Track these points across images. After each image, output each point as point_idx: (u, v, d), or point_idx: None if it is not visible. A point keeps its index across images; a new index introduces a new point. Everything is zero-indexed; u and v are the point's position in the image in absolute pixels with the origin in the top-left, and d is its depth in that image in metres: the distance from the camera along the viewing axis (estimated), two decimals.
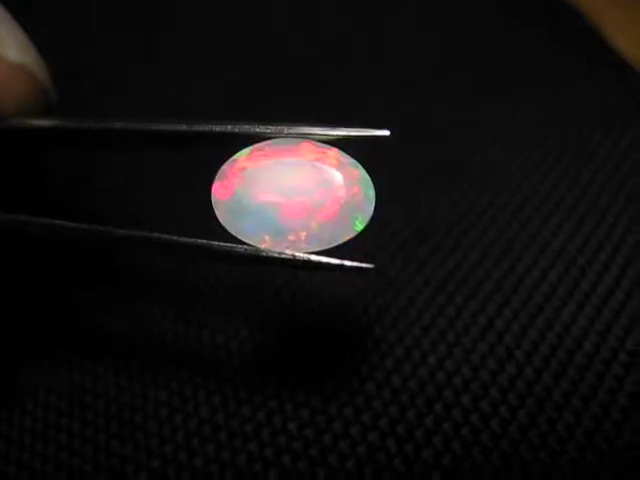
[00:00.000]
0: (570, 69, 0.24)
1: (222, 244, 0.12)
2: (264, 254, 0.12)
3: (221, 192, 0.12)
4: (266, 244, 0.12)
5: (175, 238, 0.12)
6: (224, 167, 0.12)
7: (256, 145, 0.12)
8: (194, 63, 0.26)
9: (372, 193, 0.12)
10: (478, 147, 0.22)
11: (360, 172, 0.12)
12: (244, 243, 0.12)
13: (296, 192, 0.12)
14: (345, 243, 0.12)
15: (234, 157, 0.12)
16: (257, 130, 0.12)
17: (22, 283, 0.18)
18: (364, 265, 0.12)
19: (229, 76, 0.25)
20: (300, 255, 0.12)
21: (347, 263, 0.12)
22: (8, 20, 0.14)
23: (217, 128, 0.13)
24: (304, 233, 0.12)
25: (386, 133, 0.12)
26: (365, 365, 0.16)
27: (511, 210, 0.19)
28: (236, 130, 0.13)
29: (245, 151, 0.12)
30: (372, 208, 0.12)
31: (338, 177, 0.12)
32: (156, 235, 0.13)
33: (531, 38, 0.25)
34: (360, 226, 0.12)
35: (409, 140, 0.22)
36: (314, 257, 0.12)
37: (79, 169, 0.21)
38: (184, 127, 0.13)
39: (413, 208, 0.20)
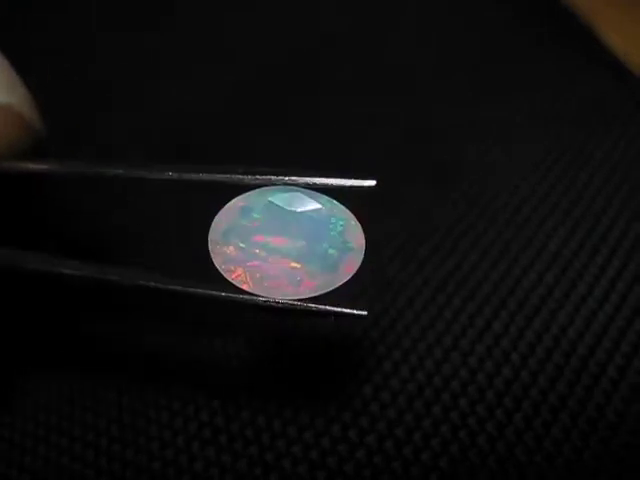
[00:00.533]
0: (569, 70, 0.24)
1: (222, 293, 0.12)
2: (263, 302, 0.12)
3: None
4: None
5: (174, 287, 0.13)
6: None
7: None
8: (194, 63, 0.26)
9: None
10: (477, 147, 0.22)
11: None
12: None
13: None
14: None
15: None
16: (245, 180, 0.12)
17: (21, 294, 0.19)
18: (358, 312, 0.12)
19: (229, 76, 0.25)
20: (299, 304, 0.12)
21: (344, 310, 0.12)
22: None
23: (205, 177, 0.13)
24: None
25: (372, 183, 0.12)
26: (363, 368, 0.16)
27: (510, 211, 0.19)
28: (226, 179, 0.12)
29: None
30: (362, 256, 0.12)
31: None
32: (154, 284, 0.13)
33: (530, 38, 0.25)
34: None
35: (408, 140, 0.22)
36: (313, 305, 0.12)
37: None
38: (175, 175, 0.13)
39: (411, 208, 0.20)
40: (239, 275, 0.12)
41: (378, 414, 0.15)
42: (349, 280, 0.12)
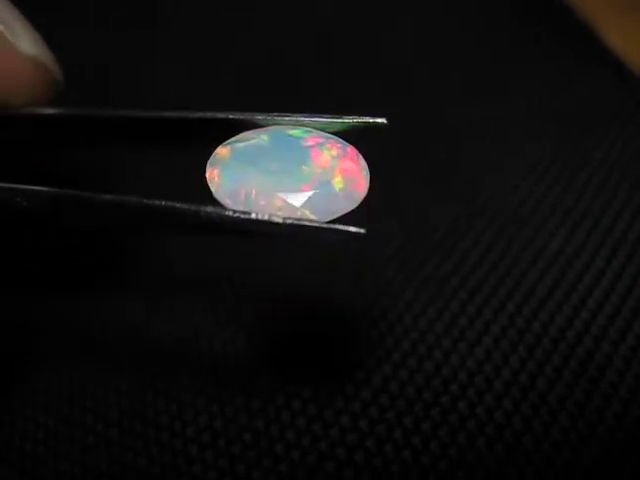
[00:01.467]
0: (568, 68, 0.24)
1: (212, 208, 0.12)
2: (254, 217, 0.11)
3: (215, 175, 0.12)
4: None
5: (165, 204, 0.12)
6: (216, 150, 0.12)
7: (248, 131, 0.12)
8: (193, 62, 0.26)
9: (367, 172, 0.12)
10: (475, 147, 0.22)
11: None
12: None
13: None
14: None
15: (225, 142, 0.12)
16: (252, 118, 0.13)
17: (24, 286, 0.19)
18: (356, 230, 0.11)
19: (226, 75, 0.25)
20: (290, 219, 0.11)
21: (338, 227, 0.11)
22: (20, 16, 0.14)
23: (220, 115, 0.13)
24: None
25: (383, 121, 0.12)
26: (362, 371, 0.16)
27: (509, 211, 0.19)
28: (230, 117, 0.13)
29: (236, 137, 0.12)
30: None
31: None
32: (147, 202, 0.12)
33: (529, 37, 0.25)
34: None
35: (406, 140, 0.22)
36: (308, 222, 0.11)
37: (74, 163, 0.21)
38: (179, 114, 0.13)
39: (410, 209, 0.20)
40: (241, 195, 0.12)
41: (377, 417, 0.15)
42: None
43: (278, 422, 0.15)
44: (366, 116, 0.12)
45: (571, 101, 0.22)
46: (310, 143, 0.12)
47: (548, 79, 0.23)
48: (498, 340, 0.16)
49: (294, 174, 0.12)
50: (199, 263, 0.19)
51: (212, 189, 0.12)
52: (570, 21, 0.25)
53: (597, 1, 0.25)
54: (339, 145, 0.12)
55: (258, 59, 0.26)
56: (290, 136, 0.12)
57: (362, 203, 0.12)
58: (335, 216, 0.12)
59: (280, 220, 0.11)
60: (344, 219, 0.12)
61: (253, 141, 0.12)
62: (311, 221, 0.11)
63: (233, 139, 0.12)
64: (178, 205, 0.12)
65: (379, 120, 0.12)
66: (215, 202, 0.12)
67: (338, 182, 0.12)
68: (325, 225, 0.11)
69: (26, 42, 0.14)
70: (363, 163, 0.12)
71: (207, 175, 0.12)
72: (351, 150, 0.12)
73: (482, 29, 0.26)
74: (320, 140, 0.12)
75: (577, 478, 0.14)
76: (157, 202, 0.12)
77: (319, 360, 0.17)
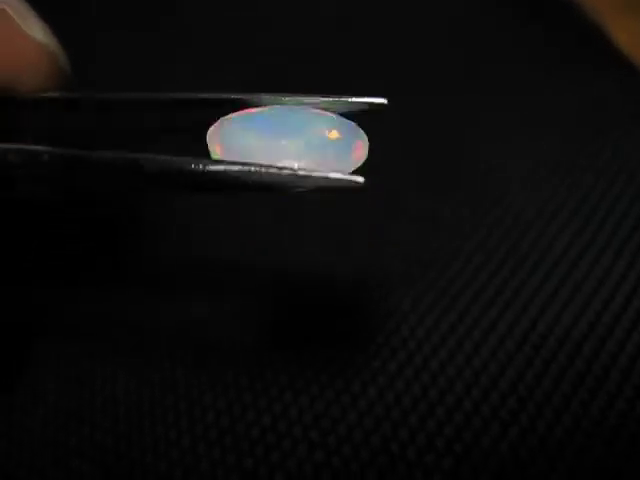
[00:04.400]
0: (573, 70, 0.24)
1: (214, 161, 0.12)
2: (254, 169, 0.11)
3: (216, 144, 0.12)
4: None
5: (162, 158, 0.12)
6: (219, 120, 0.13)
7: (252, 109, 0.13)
8: (194, 63, 0.26)
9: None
10: (479, 149, 0.22)
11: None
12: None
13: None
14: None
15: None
16: (255, 98, 0.13)
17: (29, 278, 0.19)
18: (355, 179, 0.11)
19: (230, 76, 0.25)
20: (294, 169, 0.11)
21: (335, 175, 0.11)
22: (30, 8, 0.15)
23: (224, 96, 0.13)
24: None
25: (383, 101, 0.13)
26: (367, 370, 0.16)
27: (514, 213, 0.19)
28: (232, 97, 0.13)
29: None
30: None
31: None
32: (141, 156, 0.12)
33: (533, 39, 0.25)
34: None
35: (408, 143, 0.22)
36: (307, 172, 0.11)
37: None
38: (185, 95, 0.13)
39: (414, 211, 0.20)
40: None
41: (383, 415, 0.15)
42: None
43: (285, 418, 0.15)
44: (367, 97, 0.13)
45: (577, 102, 0.22)
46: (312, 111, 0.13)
47: (554, 80, 0.23)
48: (503, 339, 0.16)
49: (294, 135, 0.12)
50: (204, 254, 0.19)
51: (211, 149, 0.12)
52: (577, 22, 0.25)
53: (603, 1, 0.25)
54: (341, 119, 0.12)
55: (259, 60, 0.26)
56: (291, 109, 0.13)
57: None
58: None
59: (277, 170, 0.11)
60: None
61: (254, 111, 0.13)
62: (311, 170, 0.11)
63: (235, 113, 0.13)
64: (184, 160, 0.12)
65: (380, 101, 0.12)
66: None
67: (333, 134, 0.12)
68: (321, 174, 0.11)
69: (37, 29, 0.14)
70: (363, 136, 0.12)
71: (207, 138, 0.12)
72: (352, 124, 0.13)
73: (486, 30, 0.26)
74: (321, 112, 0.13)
75: (581, 477, 0.14)
76: (159, 157, 0.12)
77: (326, 357, 0.17)
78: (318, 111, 0.13)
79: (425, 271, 0.18)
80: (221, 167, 0.11)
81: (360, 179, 0.11)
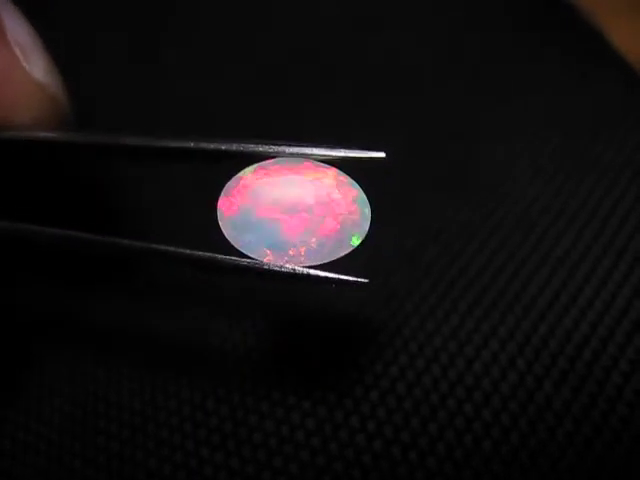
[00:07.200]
0: (575, 72, 0.24)
1: (226, 257, 0.13)
2: (266, 267, 0.13)
3: (226, 207, 0.13)
4: (267, 258, 0.13)
5: (180, 250, 0.13)
6: (230, 183, 0.13)
7: (260, 163, 0.13)
8: (195, 63, 0.26)
9: (368, 211, 0.13)
10: (480, 151, 0.22)
11: (357, 191, 0.13)
12: (247, 257, 0.13)
13: (297, 209, 0.13)
14: (348, 254, 0.13)
15: (239, 174, 0.13)
16: (261, 149, 0.13)
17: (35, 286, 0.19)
18: (359, 279, 0.13)
19: (230, 76, 0.25)
20: (300, 269, 0.13)
21: (343, 277, 0.13)
22: (36, 40, 0.15)
23: (223, 146, 0.13)
24: (303, 248, 0.13)
25: (381, 155, 0.13)
26: (369, 373, 0.16)
27: (515, 215, 0.19)
28: (241, 149, 0.13)
29: (249, 169, 0.13)
30: (368, 225, 0.13)
31: (336, 196, 0.13)
32: (161, 247, 0.13)
33: (535, 39, 0.25)
34: (356, 242, 0.13)
35: (410, 145, 0.22)
36: (313, 272, 0.13)
37: (85, 181, 0.21)
38: (191, 144, 0.13)
39: (415, 213, 0.20)
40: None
41: (385, 419, 0.15)
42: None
43: (288, 423, 0.15)
44: (366, 150, 0.13)
45: (578, 105, 0.22)
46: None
47: (554, 82, 0.23)
48: (505, 343, 0.16)
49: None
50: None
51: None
52: (578, 23, 0.25)
53: (602, 2, 0.25)
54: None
55: (259, 60, 0.26)
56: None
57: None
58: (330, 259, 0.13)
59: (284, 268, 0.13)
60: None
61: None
62: (311, 269, 0.13)
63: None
64: (194, 253, 0.13)
65: (378, 154, 0.13)
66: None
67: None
68: (329, 275, 0.13)
69: (38, 67, 0.14)
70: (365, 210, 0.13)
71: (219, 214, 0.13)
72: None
73: (486, 30, 0.26)
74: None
75: None
76: (164, 247, 0.13)
77: (329, 362, 0.17)
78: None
79: (426, 273, 0.18)
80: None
81: (364, 280, 0.13)
